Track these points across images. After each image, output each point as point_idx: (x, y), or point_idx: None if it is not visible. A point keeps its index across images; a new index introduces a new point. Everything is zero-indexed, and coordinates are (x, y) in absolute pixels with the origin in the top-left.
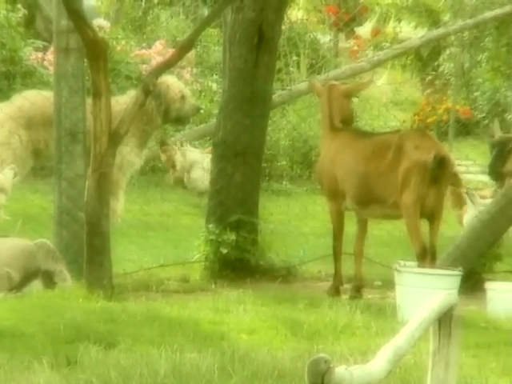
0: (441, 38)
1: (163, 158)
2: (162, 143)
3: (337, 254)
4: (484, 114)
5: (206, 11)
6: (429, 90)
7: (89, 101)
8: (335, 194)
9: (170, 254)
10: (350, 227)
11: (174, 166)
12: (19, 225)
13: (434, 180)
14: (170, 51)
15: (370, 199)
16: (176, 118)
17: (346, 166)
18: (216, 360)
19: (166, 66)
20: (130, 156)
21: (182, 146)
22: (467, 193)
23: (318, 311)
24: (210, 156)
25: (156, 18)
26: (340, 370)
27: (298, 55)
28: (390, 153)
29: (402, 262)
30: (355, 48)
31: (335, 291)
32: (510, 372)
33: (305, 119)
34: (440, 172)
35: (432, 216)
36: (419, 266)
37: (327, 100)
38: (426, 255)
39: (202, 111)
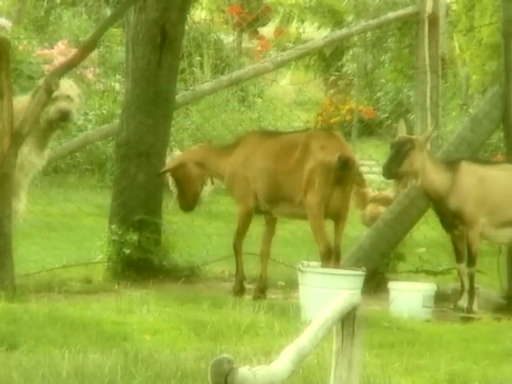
0: (344, 39)
1: None
2: None
3: (237, 250)
4: (387, 115)
5: (108, 11)
6: (332, 91)
7: None
8: (247, 197)
9: (73, 254)
10: (255, 228)
11: None
12: None
13: (338, 181)
14: (73, 51)
15: (279, 197)
16: (44, 122)
17: (256, 166)
18: (119, 360)
19: (69, 66)
20: (31, 156)
21: (171, 151)
22: None
23: (222, 311)
24: None
25: (58, 17)
26: (243, 371)
27: (202, 55)
28: (297, 152)
29: (305, 262)
30: (259, 48)
31: (239, 287)
32: (412, 371)
33: (208, 120)
34: (345, 173)
35: (337, 216)
36: (323, 266)
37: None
38: (331, 255)
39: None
